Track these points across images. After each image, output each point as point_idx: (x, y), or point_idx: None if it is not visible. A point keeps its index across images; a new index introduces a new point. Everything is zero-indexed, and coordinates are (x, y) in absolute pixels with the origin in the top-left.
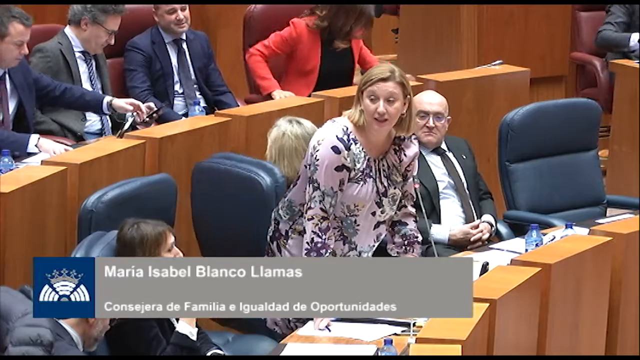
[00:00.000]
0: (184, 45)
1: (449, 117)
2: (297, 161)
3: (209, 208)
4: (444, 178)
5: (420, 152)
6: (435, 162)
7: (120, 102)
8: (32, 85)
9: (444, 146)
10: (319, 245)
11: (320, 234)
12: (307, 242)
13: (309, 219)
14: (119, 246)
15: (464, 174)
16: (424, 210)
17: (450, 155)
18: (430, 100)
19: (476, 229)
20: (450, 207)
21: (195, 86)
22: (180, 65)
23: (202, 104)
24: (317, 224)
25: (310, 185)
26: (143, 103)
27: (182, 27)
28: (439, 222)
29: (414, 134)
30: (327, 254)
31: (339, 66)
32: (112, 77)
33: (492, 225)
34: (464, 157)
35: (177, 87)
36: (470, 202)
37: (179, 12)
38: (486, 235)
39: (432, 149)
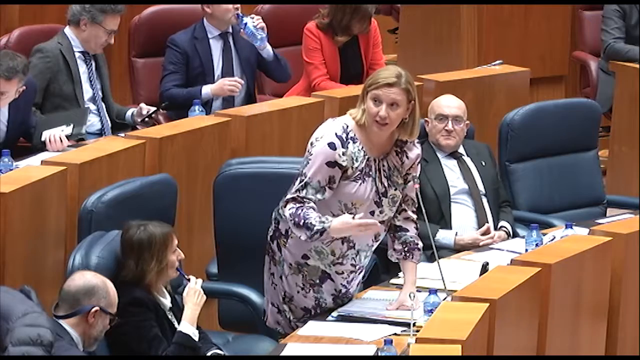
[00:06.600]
0: (230, 39)
1: (467, 122)
2: None
3: (242, 215)
4: (457, 183)
5: (436, 156)
6: (450, 166)
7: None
8: (29, 107)
9: (461, 150)
10: (294, 212)
11: (292, 207)
12: (289, 221)
13: (283, 207)
14: (126, 249)
15: (481, 180)
16: (424, 213)
17: (467, 160)
18: (449, 104)
19: (485, 235)
20: (463, 213)
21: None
22: (224, 60)
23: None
24: (289, 203)
25: (298, 177)
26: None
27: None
28: (448, 228)
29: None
30: (304, 210)
31: (351, 69)
32: (144, 77)
33: (508, 234)
34: (483, 163)
35: None
36: (486, 209)
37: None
38: (498, 242)
39: (449, 153)
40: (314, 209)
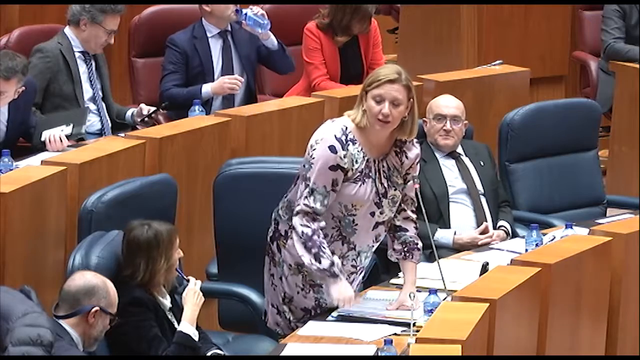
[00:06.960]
0: (230, 37)
1: (466, 122)
2: None
3: (243, 215)
4: (456, 182)
5: (434, 156)
6: (449, 165)
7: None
8: (29, 107)
9: (459, 150)
10: (309, 234)
11: (307, 224)
12: (299, 236)
13: (294, 215)
14: (133, 250)
15: (480, 180)
16: (424, 213)
17: (466, 159)
18: (447, 104)
19: (484, 234)
20: (462, 213)
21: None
22: (224, 59)
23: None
24: (303, 218)
25: (303, 182)
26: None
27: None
28: (447, 227)
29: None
30: (321, 238)
31: (351, 69)
32: (144, 77)
33: (507, 234)
34: (482, 163)
35: None
36: (484, 209)
37: None
38: (498, 242)
39: (447, 153)
40: (325, 234)
